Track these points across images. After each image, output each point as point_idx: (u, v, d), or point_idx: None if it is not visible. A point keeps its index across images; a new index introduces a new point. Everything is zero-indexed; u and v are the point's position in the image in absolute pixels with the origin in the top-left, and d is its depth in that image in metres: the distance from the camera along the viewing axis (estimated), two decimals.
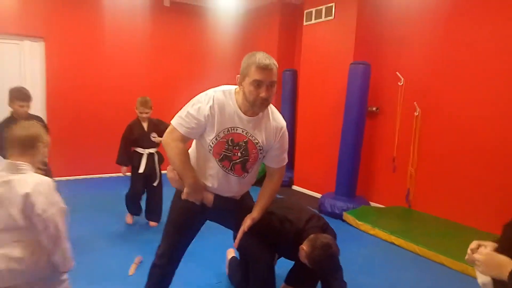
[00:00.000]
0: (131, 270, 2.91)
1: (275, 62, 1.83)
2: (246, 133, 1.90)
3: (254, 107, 1.84)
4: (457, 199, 4.10)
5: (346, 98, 4.66)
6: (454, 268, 3.20)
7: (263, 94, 1.79)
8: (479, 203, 3.89)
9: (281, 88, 6.23)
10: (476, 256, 1.13)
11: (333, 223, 4.27)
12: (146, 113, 3.73)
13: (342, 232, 4.03)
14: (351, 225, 4.25)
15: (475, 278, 1.15)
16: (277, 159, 2.05)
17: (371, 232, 3.99)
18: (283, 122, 2.01)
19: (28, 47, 5.49)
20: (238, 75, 1.87)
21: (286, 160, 2.10)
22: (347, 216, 4.33)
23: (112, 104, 5.94)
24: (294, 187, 5.98)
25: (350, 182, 4.69)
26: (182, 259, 2.20)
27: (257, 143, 1.93)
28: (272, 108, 1.99)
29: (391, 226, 3.96)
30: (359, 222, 4.13)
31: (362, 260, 3.39)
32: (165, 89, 6.41)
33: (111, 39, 5.98)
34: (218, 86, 1.96)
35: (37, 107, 5.63)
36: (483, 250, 1.13)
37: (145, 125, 3.80)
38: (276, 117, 1.98)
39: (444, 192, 4.24)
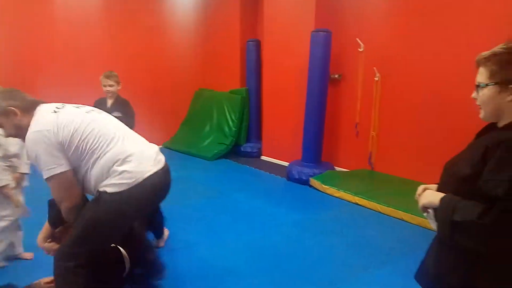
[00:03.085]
0: None
1: None
2: None
3: None
4: (417, 159, 4.33)
5: (308, 66, 4.71)
6: (413, 222, 3.43)
7: None
8: (438, 162, 4.10)
9: (246, 59, 6.20)
10: (422, 193, 1.32)
11: (300, 189, 4.48)
12: (110, 85, 3.40)
13: (309, 197, 4.23)
14: (317, 189, 4.42)
15: (432, 230, 1.30)
16: None
17: (336, 194, 4.17)
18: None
19: None
20: None
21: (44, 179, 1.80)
22: (313, 181, 4.49)
23: (72, 82, 5.72)
24: (263, 158, 6.09)
25: (316, 148, 4.82)
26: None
27: None
28: None
29: (355, 188, 4.15)
30: (325, 186, 4.30)
31: (328, 221, 3.57)
32: (127, 65, 6.23)
33: (64, 14, 5.68)
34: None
35: None
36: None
37: (110, 101, 3.46)
38: None
39: (404, 153, 4.46)
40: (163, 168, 1.89)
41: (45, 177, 1.72)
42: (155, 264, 2.31)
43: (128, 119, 3.52)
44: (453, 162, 1.29)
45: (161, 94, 6.75)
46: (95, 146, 1.77)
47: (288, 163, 5.22)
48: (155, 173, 1.83)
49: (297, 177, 4.68)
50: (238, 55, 6.38)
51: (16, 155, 2.59)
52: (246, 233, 3.30)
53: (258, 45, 6.08)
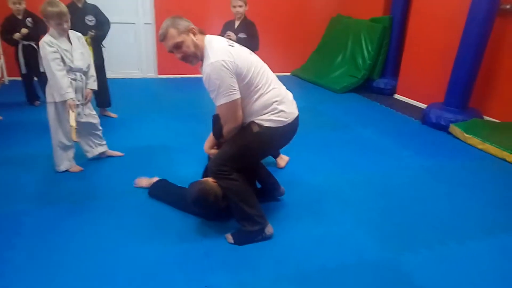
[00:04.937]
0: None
1: (166, 30, 1.91)
2: None
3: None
4: None
5: None
6: None
7: (178, 57, 1.99)
8: None
9: None
10: None
11: (436, 135, 4.04)
12: (239, 6, 3.38)
13: (445, 144, 3.81)
14: (457, 138, 3.93)
15: None
16: None
17: (480, 146, 3.65)
18: (205, 69, 1.91)
19: None
20: None
21: (216, 104, 1.97)
22: (453, 128, 3.98)
23: (204, 7, 5.94)
24: (396, 96, 5.61)
25: (463, 92, 4.19)
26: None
27: None
28: (206, 53, 1.95)
29: (505, 141, 3.55)
30: (467, 135, 3.78)
31: (465, 173, 3.18)
32: None
33: None
34: None
35: None
36: None
37: (237, 23, 3.52)
38: (203, 64, 1.96)
39: None
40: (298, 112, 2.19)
41: (222, 102, 1.91)
42: (272, 181, 2.53)
43: (252, 40, 3.53)
44: None
45: (295, 19, 6.57)
46: (261, 84, 2.01)
47: (425, 106, 4.71)
48: (297, 116, 2.15)
49: (434, 121, 4.21)
50: None
51: (80, 70, 2.69)
52: (367, 168, 3.18)
53: None
